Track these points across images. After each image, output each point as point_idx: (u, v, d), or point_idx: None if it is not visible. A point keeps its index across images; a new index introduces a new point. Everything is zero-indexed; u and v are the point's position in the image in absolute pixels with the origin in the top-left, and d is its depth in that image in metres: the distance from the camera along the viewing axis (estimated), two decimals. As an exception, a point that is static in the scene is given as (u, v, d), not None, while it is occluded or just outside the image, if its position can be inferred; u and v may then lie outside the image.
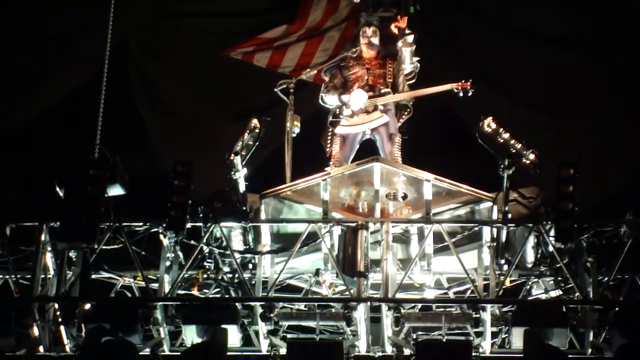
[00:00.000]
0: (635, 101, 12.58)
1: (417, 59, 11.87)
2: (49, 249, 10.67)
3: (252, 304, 10.42)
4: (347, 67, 11.94)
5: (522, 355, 10.11)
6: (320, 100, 11.88)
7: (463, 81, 11.52)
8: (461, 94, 11.44)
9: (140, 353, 10.25)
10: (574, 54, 12.97)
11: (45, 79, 12.96)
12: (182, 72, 13.39)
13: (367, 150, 11.77)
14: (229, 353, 10.26)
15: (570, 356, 10.16)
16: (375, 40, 11.97)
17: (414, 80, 11.81)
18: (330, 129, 11.77)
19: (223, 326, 10.18)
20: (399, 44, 11.79)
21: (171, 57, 13.38)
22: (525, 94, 12.98)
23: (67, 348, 10.46)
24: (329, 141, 11.71)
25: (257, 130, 10.87)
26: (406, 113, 11.87)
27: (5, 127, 12.90)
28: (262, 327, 10.41)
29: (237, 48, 13.06)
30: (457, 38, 13.25)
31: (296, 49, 13.12)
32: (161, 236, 10.53)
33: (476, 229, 10.77)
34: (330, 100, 11.82)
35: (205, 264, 10.85)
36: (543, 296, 10.89)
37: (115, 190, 10.57)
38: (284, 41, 13.11)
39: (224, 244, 10.68)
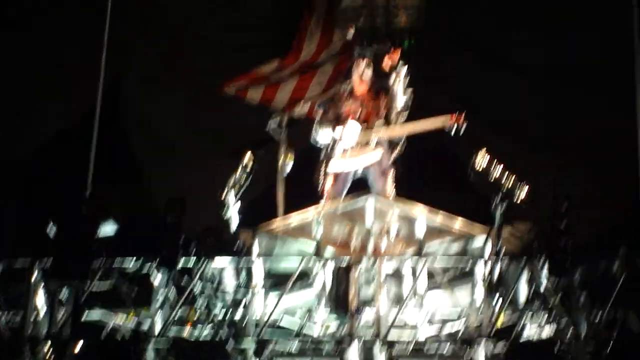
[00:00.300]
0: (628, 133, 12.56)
1: (411, 91, 11.85)
2: (41, 287, 10.64)
3: (244, 343, 10.37)
4: (340, 101, 11.89)
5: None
6: (313, 136, 11.78)
7: (457, 113, 11.45)
8: (453, 131, 11.38)
9: (132, 393, 10.24)
10: (568, 87, 12.96)
11: (37, 115, 12.97)
12: (176, 106, 13.39)
13: (361, 183, 11.73)
14: (221, 393, 10.24)
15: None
16: (369, 74, 11.91)
17: (405, 118, 11.76)
18: (323, 164, 11.73)
19: (215, 366, 10.17)
20: (392, 77, 11.76)
21: (164, 92, 13.38)
22: (519, 127, 12.95)
23: (59, 388, 10.44)
24: (322, 176, 11.68)
25: (249, 166, 10.85)
26: (399, 148, 11.84)
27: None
28: (255, 367, 10.40)
29: (229, 84, 13.06)
30: (451, 72, 13.22)
31: (289, 84, 13.09)
32: (152, 275, 10.50)
33: (469, 264, 10.74)
34: (322, 135, 11.74)
35: (197, 301, 10.82)
36: (537, 332, 10.83)
37: (107, 228, 10.54)
38: (276, 76, 13.11)
39: (216, 281, 10.64)
